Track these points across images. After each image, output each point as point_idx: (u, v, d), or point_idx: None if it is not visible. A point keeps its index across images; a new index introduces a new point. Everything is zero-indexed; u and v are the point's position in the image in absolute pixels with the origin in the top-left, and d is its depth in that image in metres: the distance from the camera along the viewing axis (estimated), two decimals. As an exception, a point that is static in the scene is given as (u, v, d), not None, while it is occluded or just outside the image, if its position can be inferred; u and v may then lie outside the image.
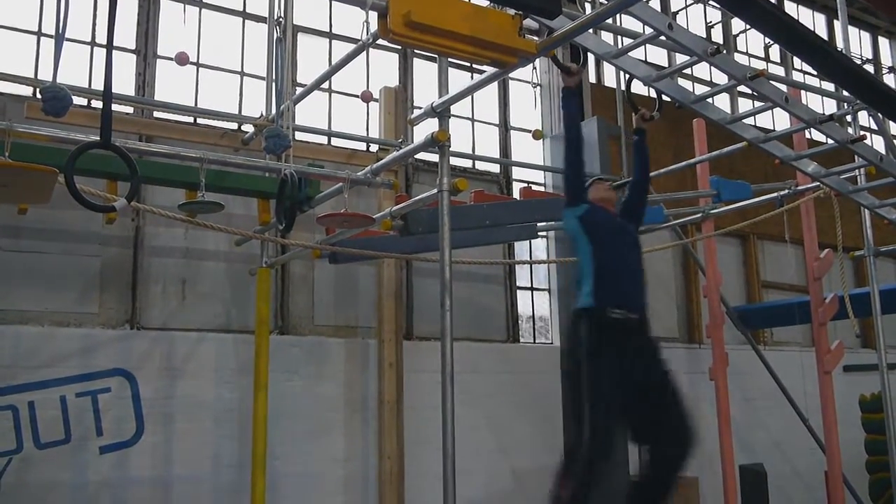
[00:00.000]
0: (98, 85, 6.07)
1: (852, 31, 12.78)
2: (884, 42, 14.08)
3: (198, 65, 7.32)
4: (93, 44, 6.86)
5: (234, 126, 7.06)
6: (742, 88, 5.03)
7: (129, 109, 6.84)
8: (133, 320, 6.65)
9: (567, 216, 4.51)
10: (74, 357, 6.27)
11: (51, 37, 3.66)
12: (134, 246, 6.77)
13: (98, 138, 2.88)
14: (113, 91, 2.90)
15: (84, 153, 2.92)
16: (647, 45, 5.05)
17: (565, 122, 4.55)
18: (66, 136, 4.68)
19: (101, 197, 4.80)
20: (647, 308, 4.42)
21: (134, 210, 6.20)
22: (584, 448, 3.92)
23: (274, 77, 5.94)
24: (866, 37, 13.81)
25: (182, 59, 6.29)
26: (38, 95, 4.35)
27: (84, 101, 6.38)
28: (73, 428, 6.14)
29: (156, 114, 6.92)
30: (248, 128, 6.81)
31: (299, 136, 6.83)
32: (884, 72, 13.66)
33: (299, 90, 6.68)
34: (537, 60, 4.27)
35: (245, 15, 7.72)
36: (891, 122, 6.63)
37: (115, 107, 4.78)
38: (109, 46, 2.87)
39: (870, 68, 12.92)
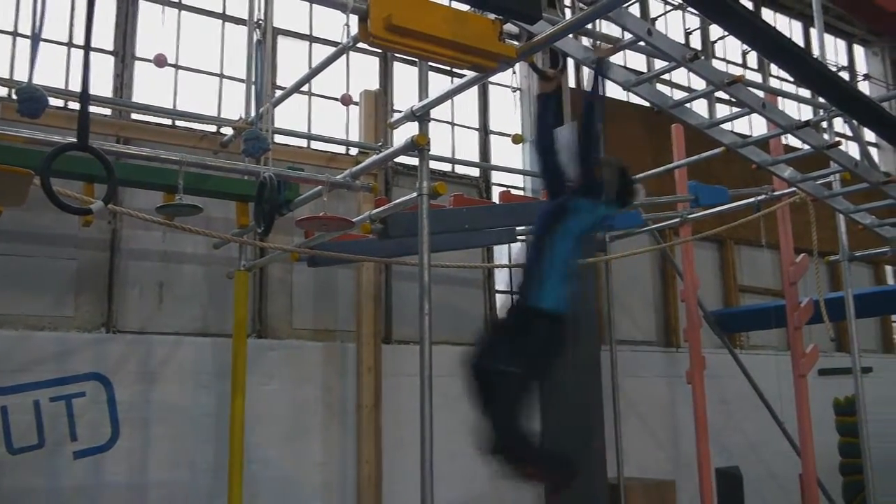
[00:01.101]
0: (75, 86, 6.02)
1: (828, 38, 12.92)
2: (859, 50, 14.26)
3: (176, 67, 7.28)
4: (70, 44, 6.80)
5: (213, 129, 7.02)
6: (720, 94, 5.08)
7: (107, 111, 6.79)
8: (109, 324, 6.59)
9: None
10: (49, 361, 6.20)
11: (27, 37, 3.62)
12: (111, 249, 6.71)
13: (75, 140, 2.85)
14: (90, 92, 2.87)
15: (60, 155, 2.88)
16: (627, 50, 5.08)
17: (535, 128, 4.39)
18: (42, 138, 4.64)
19: (77, 199, 4.76)
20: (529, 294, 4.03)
21: (111, 213, 6.15)
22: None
23: (253, 79, 5.92)
24: (842, 44, 13.98)
25: (160, 61, 6.26)
26: (14, 96, 4.29)
27: (61, 103, 6.33)
28: (47, 433, 6.07)
29: (134, 116, 6.88)
30: (227, 130, 6.80)
31: (279, 138, 6.82)
32: (859, 79, 13.83)
33: (279, 93, 6.66)
34: (517, 65, 4.27)
35: (224, 17, 7.69)
36: (865, 129, 6.71)
37: (92, 108, 4.75)
38: (87, 47, 2.84)
39: (845, 75, 13.07)
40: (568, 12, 6.92)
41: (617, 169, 4.21)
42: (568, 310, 3.87)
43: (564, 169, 4.23)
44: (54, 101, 5.90)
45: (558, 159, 4.30)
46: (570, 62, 9.66)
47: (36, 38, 3.01)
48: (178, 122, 7.03)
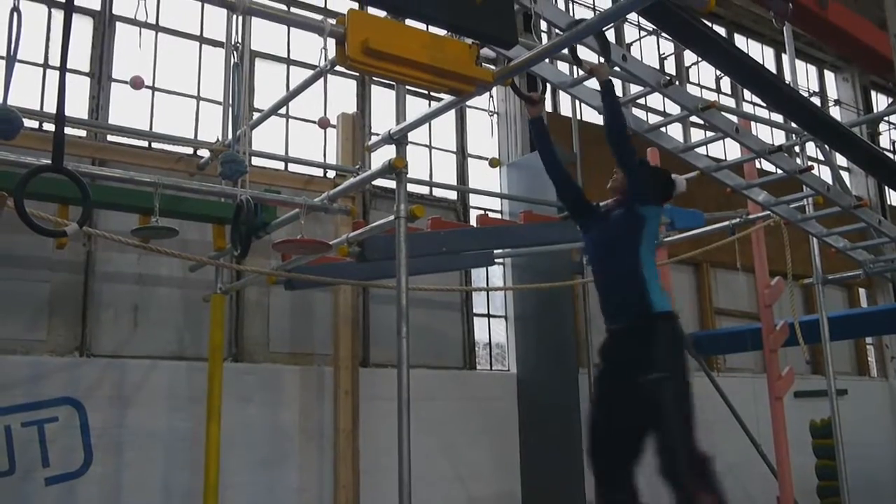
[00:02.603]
0: (50, 108, 5.98)
1: (799, 64, 13.13)
2: (829, 75, 14.51)
3: (153, 88, 7.26)
4: (46, 66, 6.76)
5: (190, 151, 7.01)
6: (694, 119, 5.14)
7: (83, 133, 6.75)
8: (83, 347, 6.51)
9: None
10: (21, 385, 6.10)
11: (2, 57, 3.60)
12: (85, 271, 6.64)
13: (49, 162, 2.83)
14: (66, 114, 2.85)
15: (35, 177, 2.86)
16: (602, 75, 5.12)
17: (539, 151, 4.50)
18: (16, 160, 4.60)
19: (52, 221, 4.72)
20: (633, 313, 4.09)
21: (86, 235, 6.10)
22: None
23: (230, 102, 5.91)
24: (813, 70, 14.22)
25: (137, 83, 6.24)
26: (-12, 118, 4.26)
27: (35, 124, 6.30)
28: (18, 458, 5.95)
29: (110, 138, 6.84)
30: (204, 153, 6.77)
31: (256, 161, 6.81)
32: (830, 104, 14.05)
33: (256, 115, 6.66)
34: (494, 89, 4.30)
35: (202, 39, 7.69)
36: (837, 153, 6.81)
37: (67, 130, 4.71)
38: (63, 68, 2.83)
39: (816, 101, 13.29)
40: (544, 37, 6.98)
41: (651, 168, 4.32)
42: (670, 312, 4.00)
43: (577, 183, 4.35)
44: (29, 123, 5.86)
45: (569, 174, 4.57)
46: (547, 86, 9.75)
47: (11, 59, 2.99)
48: (154, 145, 7.00)
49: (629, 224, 4.12)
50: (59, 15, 6.80)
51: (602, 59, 4.28)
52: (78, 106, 6.86)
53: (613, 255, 4.18)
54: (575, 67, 4.88)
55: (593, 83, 4.33)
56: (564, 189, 4.59)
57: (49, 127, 6.08)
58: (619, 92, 4.47)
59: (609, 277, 4.22)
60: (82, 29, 7.04)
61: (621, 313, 4.10)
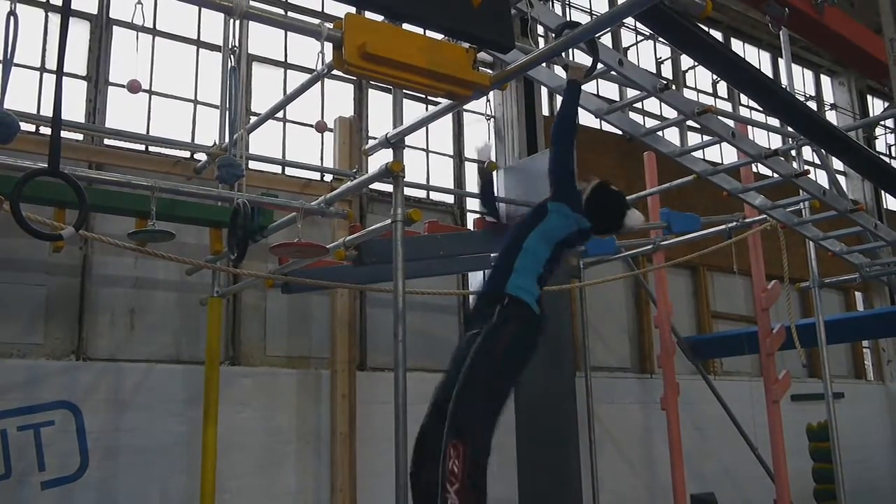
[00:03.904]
0: (47, 111, 5.98)
1: (796, 69, 13.18)
2: (826, 80, 14.55)
3: (150, 92, 7.25)
4: (42, 69, 6.76)
5: (187, 154, 7.01)
6: (691, 123, 5.15)
7: (79, 136, 6.74)
8: (79, 351, 6.50)
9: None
10: (17, 389, 6.09)
11: (-1, 62, 3.63)
12: (81, 275, 6.63)
13: (46, 165, 2.83)
14: (62, 118, 2.85)
15: (31, 180, 2.86)
16: (599, 79, 5.15)
17: (573, 118, 4.16)
18: (12, 163, 4.60)
19: (48, 225, 4.71)
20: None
21: (82, 238, 6.09)
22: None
23: (228, 106, 5.91)
24: (809, 75, 14.25)
25: (134, 87, 6.22)
26: (-15, 121, 4.26)
27: (32, 128, 6.29)
28: (14, 463, 5.94)
29: (106, 141, 6.84)
30: (201, 156, 6.78)
31: (253, 165, 6.81)
32: (826, 108, 14.09)
33: (253, 119, 6.65)
34: (491, 93, 4.31)
35: (199, 43, 7.69)
36: (833, 158, 6.83)
37: (64, 134, 4.71)
38: (59, 72, 2.83)
39: (812, 105, 13.31)
40: (541, 42, 6.99)
41: (599, 188, 4.17)
42: (538, 308, 3.76)
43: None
44: (26, 126, 5.85)
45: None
46: (545, 91, 9.77)
47: (8, 63, 3.00)
48: (151, 148, 7.00)
49: (531, 215, 4.05)
50: (55, 18, 6.80)
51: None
52: (75, 109, 6.85)
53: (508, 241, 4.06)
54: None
55: (590, 87, 4.33)
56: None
57: (46, 130, 6.07)
58: (615, 96, 4.47)
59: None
60: (79, 33, 7.04)
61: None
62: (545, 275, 3.87)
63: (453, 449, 3.42)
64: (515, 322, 3.75)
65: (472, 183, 9.27)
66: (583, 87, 4.50)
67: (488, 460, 3.55)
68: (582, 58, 4.52)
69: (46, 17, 6.87)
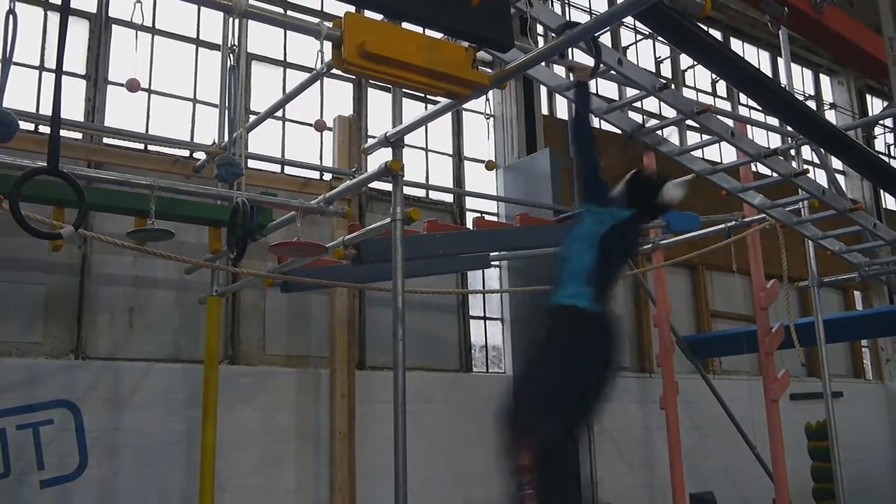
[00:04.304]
0: (46, 110, 5.97)
1: (795, 68, 13.18)
2: (825, 79, 14.55)
3: (149, 91, 7.25)
4: (41, 68, 6.76)
5: (186, 153, 7.00)
6: (690, 122, 5.15)
7: (78, 135, 6.74)
8: (78, 350, 6.49)
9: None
10: (16, 388, 6.09)
11: (-2, 61, 3.62)
12: (80, 274, 6.63)
13: (45, 164, 2.82)
14: (62, 116, 2.85)
15: (31, 179, 2.86)
16: (599, 78, 5.15)
17: (586, 118, 4.20)
18: (11, 162, 4.60)
19: (47, 224, 4.71)
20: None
21: (81, 237, 6.09)
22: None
23: (227, 104, 5.91)
24: (808, 74, 14.26)
25: (133, 86, 6.22)
26: (-16, 120, 4.26)
27: (31, 127, 6.28)
28: (13, 462, 5.94)
29: (106, 140, 6.84)
30: (200, 155, 6.77)
31: (252, 164, 6.80)
32: (825, 108, 14.09)
33: (253, 118, 6.65)
34: (491, 92, 4.31)
35: (198, 42, 7.69)
36: (832, 157, 6.83)
37: (63, 133, 4.71)
38: (59, 71, 2.82)
39: (812, 104, 13.32)
40: (541, 41, 7.00)
41: (631, 178, 4.16)
42: (594, 306, 3.77)
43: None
44: (25, 125, 5.85)
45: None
46: (544, 90, 9.77)
47: (7, 62, 2.99)
48: (150, 147, 6.99)
49: (571, 225, 4.17)
50: (55, 17, 6.79)
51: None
52: (74, 108, 6.85)
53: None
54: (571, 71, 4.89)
55: (589, 86, 4.33)
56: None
57: (45, 129, 6.06)
58: (615, 95, 4.46)
59: None
60: (78, 31, 7.04)
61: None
62: (600, 273, 3.87)
63: (526, 451, 3.64)
64: (565, 329, 3.82)
65: (471, 182, 9.27)
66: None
67: (572, 466, 3.66)
68: (583, 57, 4.52)
69: (45, 15, 6.87)
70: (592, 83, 4.30)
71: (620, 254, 4.08)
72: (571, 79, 4.46)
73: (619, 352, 3.93)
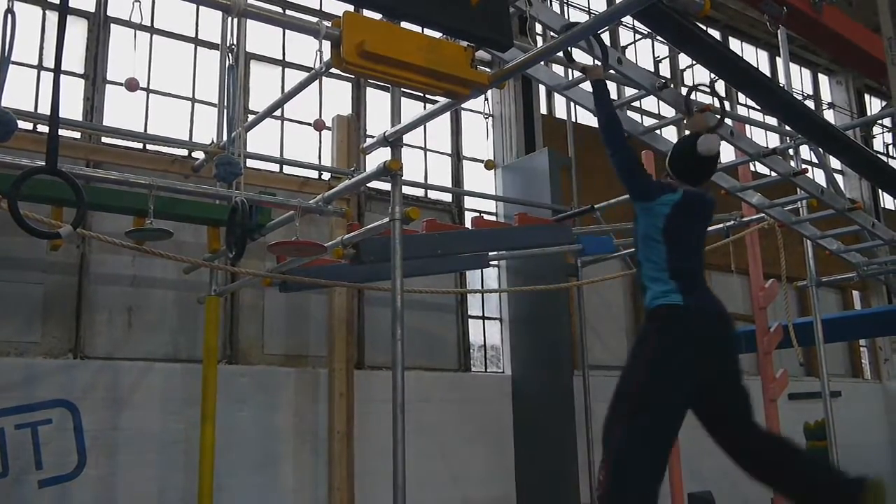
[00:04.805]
0: (45, 109, 5.97)
1: (794, 68, 13.18)
2: (823, 79, 14.57)
3: (148, 90, 7.25)
4: (40, 67, 6.75)
5: (185, 153, 7.00)
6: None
7: (77, 135, 6.73)
8: (77, 349, 6.49)
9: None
10: (14, 388, 6.08)
11: (-4, 60, 3.62)
12: (79, 273, 6.62)
13: (44, 164, 2.82)
14: (60, 116, 2.85)
15: (29, 178, 2.86)
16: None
17: (609, 116, 4.11)
18: (10, 161, 4.59)
19: (46, 223, 4.70)
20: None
21: (80, 237, 6.09)
22: None
23: (226, 104, 5.91)
24: (807, 74, 14.27)
25: (132, 85, 6.22)
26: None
27: (30, 126, 6.27)
28: (12, 461, 5.94)
29: (104, 139, 6.83)
30: (199, 154, 6.76)
31: (251, 163, 6.80)
32: (824, 107, 14.10)
33: (251, 117, 6.65)
34: (490, 91, 4.31)
35: (197, 41, 7.68)
36: (831, 157, 6.83)
37: (62, 132, 4.71)
38: (57, 70, 2.82)
39: (810, 104, 13.32)
40: (539, 40, 7.00)
41: (670, 155, 4.13)
42: (677, 300, 3.77)
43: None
44: (23, 125, 5.84)
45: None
46: (543, 89, 9.77)
47: (5, 61, 2.99)
48: (149, 146, 6.99)
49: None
50: (53, 16, 6.79)
51: (598, 62, 4.28)
52: (72, 108, 6.84)
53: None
54: (570, 70, 4.90)
55: (588, 85, 4.32)
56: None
57: (43, 129, 6.07)
58: (614, 94, 4.45)
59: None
60: (77, 31, 7.04)
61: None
62: (675, 265, 3.85)
63: (602, 462, 3.64)
64: (652, 331, 3.84)
65: (469, 181, 9.27)
66: (581, 85, 4.51)
67: (652, 483, 3.64)
68: (583, 58, 4.52)
69: (44, 14, 6.86)
70: (589, 83, 4.26)
71: (691, 236, 4.00)
72: (585, 86, 4.43)
73: (716, 341, 3.87)
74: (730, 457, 4.03)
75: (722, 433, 4.02)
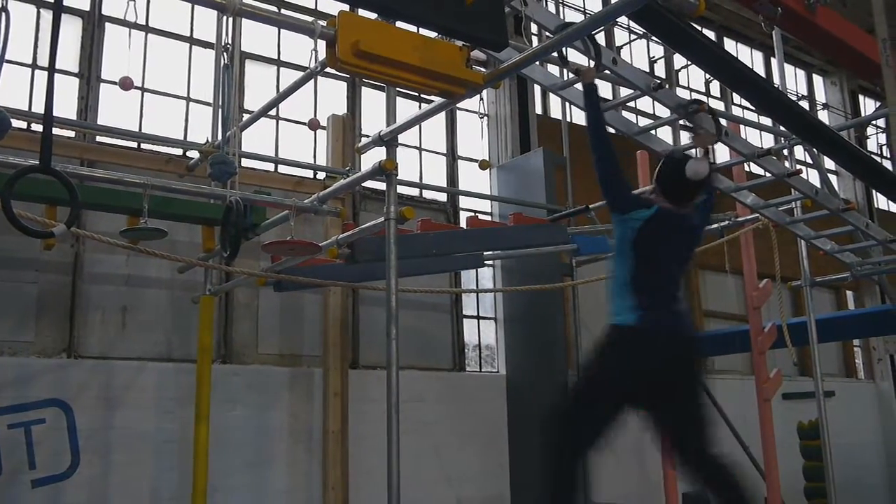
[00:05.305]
0: (39, 108, 5.95)
1: (788, 68, 13.20)
2: (818, 79, 14.60)
3: (143, 89, 7.23)
4: (34, 66, 6.73)
5: (179, 152, 6.98)
6: (684, 122, 5.15)
7: (71, 133, 6.72)
8: (70, 349, 6.48)
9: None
10: (7, 387, 6.07)
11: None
12: (73, 272, 6.61)
13: (37, 162, 2.81)
14: (54, 115, 2.84)
15: (23, 177, 2.85)
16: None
17: (596, 121, 4.10)
18: (4, 160, 4.58)
19: (39, 222, 4.69)
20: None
21: (74, 236, 6.07)
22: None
23: (220, 103, 5.89)
24: (801, 74, 14.30)
25: (126, 84, 6.19)
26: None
27: (24, 125, 6.26)
28: (5, 461, 5.92)
29: (98, 138, 6.81)
30: (194, 154, 6.74)
31: (246, 162, 6.80)
32: (818, 108, 14.13)
33: (246, 117, 6.64)
34: (485, 91, 4.31)
35: (192, 40, 7.67)
36: (825, 157, 6.85)
37: (56, 131, 4.69)
38: (51, 69, 2.81)
39: (805, 104, 13.35)
40: (535, 40, 7.00)
41: (657, 171, 4.13)
42: (624, 318, 3.79)
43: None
44: (17, 123, 5.82)
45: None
46: (538, 89, 9.77)
47: (-1, 60, 2.98)
48: (143, 145, 6.97)
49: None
50: (47, 15, 6.77)
51: (592, 63, 4.28)
52: (66, 106, 6.83)
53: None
54: (565, 70, 4.89)
55: (581, 85, 4.31)
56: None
57: (37, 127, 6.05)
58: (609, 95, 4.44)
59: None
60: (71, 29, 7.02)
61: None
62: (641, 279, 3.84)
63: None
64: (600, 346, 3.92)
65: (464, 181, 9.27)
66: (576, 86, 4.50)
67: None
68: (578, 58, 4.52)
69: (38, 13, 6.84)
70: (583, 87, 4.25)
71: (663, 252, 3.94)
72: (579, 86, 4.42)
73: (662, 365, 3.80)
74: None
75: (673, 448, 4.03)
